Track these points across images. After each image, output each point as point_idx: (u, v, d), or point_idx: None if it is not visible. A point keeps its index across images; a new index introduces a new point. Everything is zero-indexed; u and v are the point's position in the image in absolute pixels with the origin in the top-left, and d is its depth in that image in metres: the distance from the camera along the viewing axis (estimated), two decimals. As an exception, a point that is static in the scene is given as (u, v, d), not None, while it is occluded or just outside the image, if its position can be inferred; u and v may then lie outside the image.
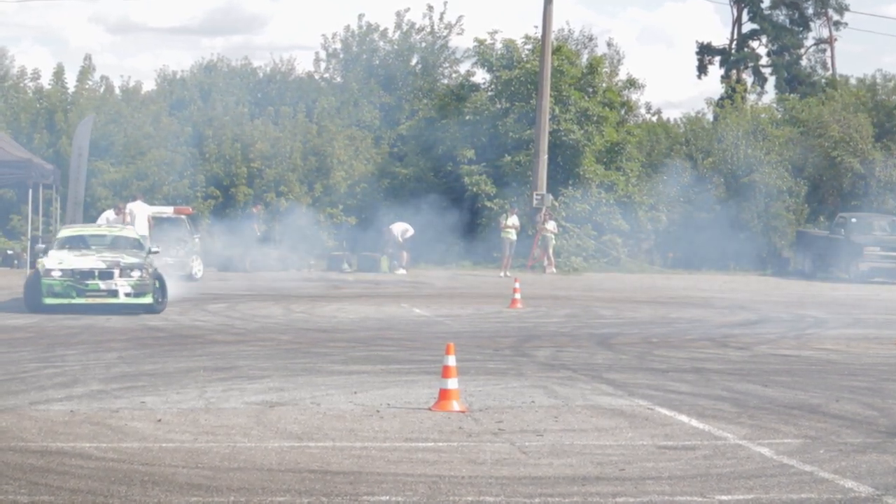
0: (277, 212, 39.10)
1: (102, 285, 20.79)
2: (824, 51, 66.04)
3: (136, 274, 20.92)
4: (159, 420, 10.69)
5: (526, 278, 32.59)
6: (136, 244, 22.89)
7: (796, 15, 64.69)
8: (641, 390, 12.94)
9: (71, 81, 42.29)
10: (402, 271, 36.52)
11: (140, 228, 30.72)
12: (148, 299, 20.98)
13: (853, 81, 49.69)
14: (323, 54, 49.23)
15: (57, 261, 21.20)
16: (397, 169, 42.00)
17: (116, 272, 20.84)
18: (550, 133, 39.42)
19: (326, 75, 48.90)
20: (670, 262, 42.36)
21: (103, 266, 20.94)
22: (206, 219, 38.57)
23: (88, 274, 20.84)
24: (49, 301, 20.74)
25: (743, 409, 11.84)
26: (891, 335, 19.98)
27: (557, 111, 40.58)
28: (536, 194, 38.13)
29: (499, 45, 42.96)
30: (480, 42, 42.88)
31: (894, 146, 44.06)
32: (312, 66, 49.41)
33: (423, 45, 47.78)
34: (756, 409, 11.86)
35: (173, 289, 27.81)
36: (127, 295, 20.82)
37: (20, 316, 20.56)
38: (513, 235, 36.53)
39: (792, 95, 53.27)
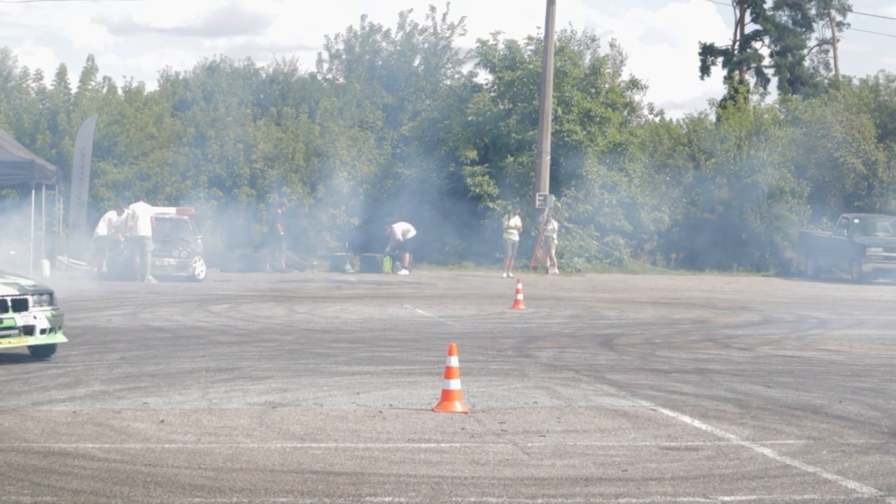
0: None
1: (19, 320, 14.52)
2: (827, 51, 66.06)
3: (47, 302, 14.97)
4: (162, 421, 10.69)
5: (528, 279, 32.60)
6: None
7: (799, 16, 64.69)
8: (644, 391, 12.94)
9: (74, 82, 42.40)
10: (404, 272, 36.53)
11: (143, 229, 30.81)
12: (61, 336, 15.08)
13: (856, 82, 49.65)
14: (326, 55, 49.37)
15: None
16: (400, 170, 42.01)
17: (31, 300, 14.73)
18: (553, 134, 39.42)
19: (329, 76, 48.98)
20: (673, 262, 42.36)
21: (15, 293, 14.67)
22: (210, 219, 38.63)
23: (1, 305, 14.53)
24: None
25: (746, 409, 11.84)
26: (894, 336, 19.97)
27: (560, 112, 40.58)
28: (539, 195, 38.12)
29: (501, 46, 42.99)
30: (483, 43, 42.91)
31: (897, 146, 44.06)
32: (315, 67, 49.57)
33: (426, 45, 47.83)
34: (759, 409, 11.85)
35: (176, 289, 27.86)
36: (43, 332, 14.73)
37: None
38: (515, 236, 36.50)
39: (795, 96, 53.25)
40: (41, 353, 15.01)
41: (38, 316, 14.66)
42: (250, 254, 36.79)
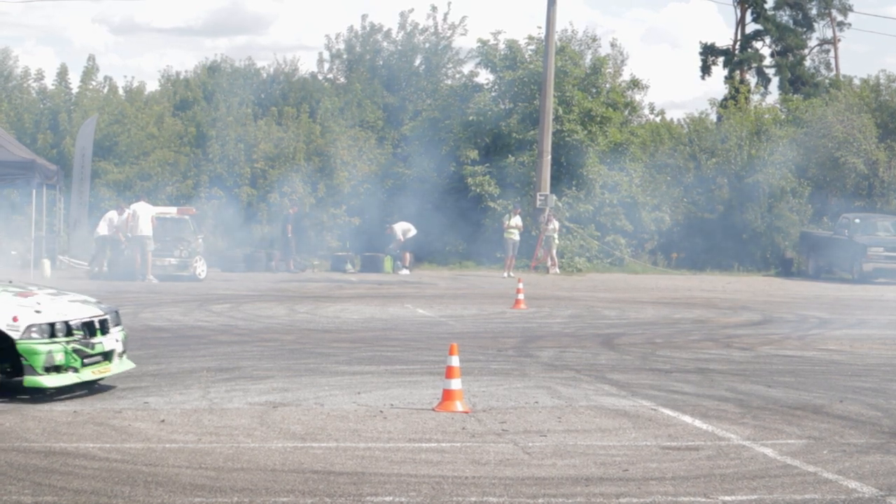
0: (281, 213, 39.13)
1: (106, 345, 12.31)
2: (828, 51, 66.05)
3: (115, 322, 12.70)
4: (162, 420, 10.69)
5: (529, 279, 32.59)
6: None
7: (800, 16, 64.69)
8: (645, 391, 12.94)
9: (75, 82, 42.38)
10: (405, 271, 36.53)
11: (144, 229, 30.81)
12: (129, 362, 12.91)
13: (857, 82, 49.61)
14: (326, 55, 49.32)
15: (32, 306, 11.90)
16: (400, 169, 42.00)
17: (110, 320, 12.54)
18: (554, 133, 39.40)
19: (330, 76, 48.95)
20: (674, 262, 42.35)
21: (100, 313, 12.48)
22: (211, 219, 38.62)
23: (90, 327, 12.17)
24: (49, 382, 11.63)
25: (746, 409, 11.84)
26: (895, 336, 19.96)
27: (561, 112, 40.56)
28: (540, 195, 38.12)
29: (502, 46, 42.95)
30: (484, 42, 42.87)
31: (898, 146, 44.04)
32: (316, 67, 49.51)
33: (427, 45, 47.80)
34: (760, 409, 11.85)
35: (177, 289, 27.86)
36: (119, 356, 12.59)
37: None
38: (516, 236, 36.49)
39: (795, 96, 53.22)
40: (94, 381, 12.41)
41: (118, 339, 12.55)
42: (252, 253, 36.78)
